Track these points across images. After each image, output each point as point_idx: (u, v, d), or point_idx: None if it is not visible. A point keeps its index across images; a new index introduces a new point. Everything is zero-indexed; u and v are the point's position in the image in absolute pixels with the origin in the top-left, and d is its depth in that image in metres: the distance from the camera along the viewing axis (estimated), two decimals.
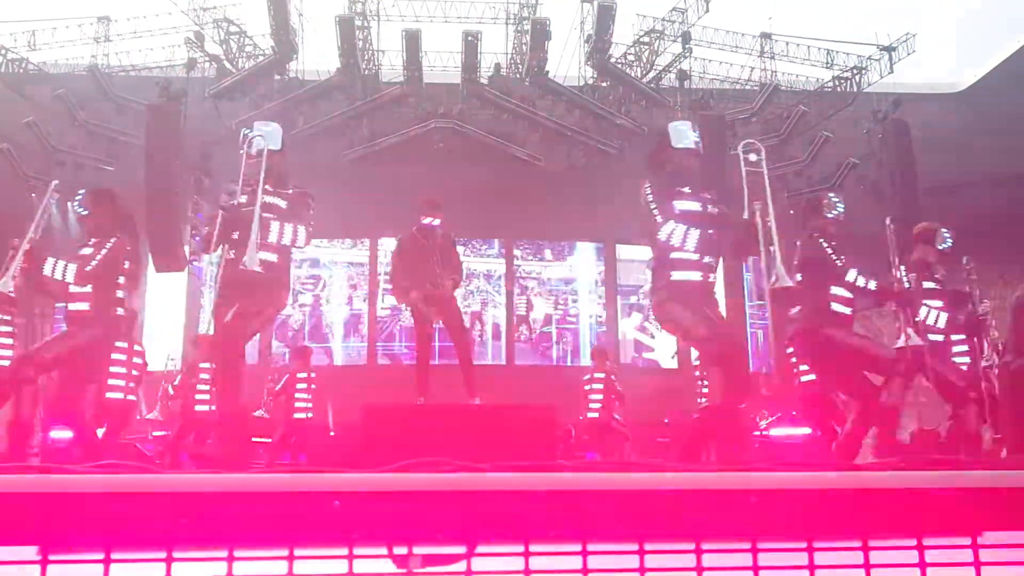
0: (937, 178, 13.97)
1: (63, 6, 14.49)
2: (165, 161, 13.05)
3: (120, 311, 5.61)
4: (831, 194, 5.84)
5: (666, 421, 11.72)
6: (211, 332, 5.75)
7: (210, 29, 14.81)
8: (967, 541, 2.00)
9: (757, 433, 10.92)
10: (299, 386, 10.20)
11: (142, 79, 14.83)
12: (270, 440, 9.83)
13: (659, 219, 4.63)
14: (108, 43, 15.03)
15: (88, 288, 5.43)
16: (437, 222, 6.66)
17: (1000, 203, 14.63)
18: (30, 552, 1.77)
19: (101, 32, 14.99)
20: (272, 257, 4.96)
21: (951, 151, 14.33)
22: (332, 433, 10.29)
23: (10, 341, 7.85)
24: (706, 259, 4.67)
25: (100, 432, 7.09)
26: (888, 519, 1.98)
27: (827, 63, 15.63)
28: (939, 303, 5.96)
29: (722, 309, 5.02)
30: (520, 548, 1.84)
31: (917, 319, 5.64)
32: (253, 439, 9.14)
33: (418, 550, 1.82)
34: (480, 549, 1.84)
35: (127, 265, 5.65)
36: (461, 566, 1.85)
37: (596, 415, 10.84)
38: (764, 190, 4.58)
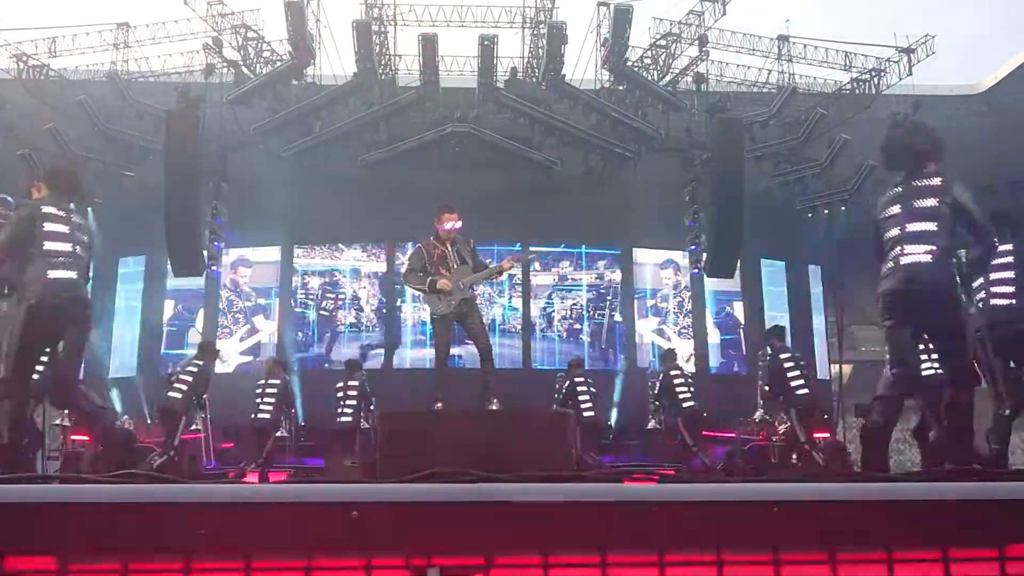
0: None
1: (83, 13, 14.62)
2: (184, 166, 13.13)
3: None
4: None
5: None
6: None
7: (228, 35, 14.89)
8: (993, 553, 1.96)
9: None
10: (268, 391, 10.79)
11: (161, 85, 14.93)
12: None
13: None
14: (127, 49, 15.16)
15: None
16: (456, 225, 6.65)
17: (1022, 204, 14.46)
18: (48, 562, 1.77)
19: (120, 38, 15.12)
20: None
21: (972, 153, 14.16)
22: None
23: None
24: None
25: None
26: (913, 530, 1.95)
27: (845, 65, 15.50)
28: None
29: None
30: (539, 560, 1.83)
31: None
32: None
33: (437, 562, 1.81)
34: (499, 561, 1.83)
35: None
36: None
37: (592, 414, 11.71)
38: None
